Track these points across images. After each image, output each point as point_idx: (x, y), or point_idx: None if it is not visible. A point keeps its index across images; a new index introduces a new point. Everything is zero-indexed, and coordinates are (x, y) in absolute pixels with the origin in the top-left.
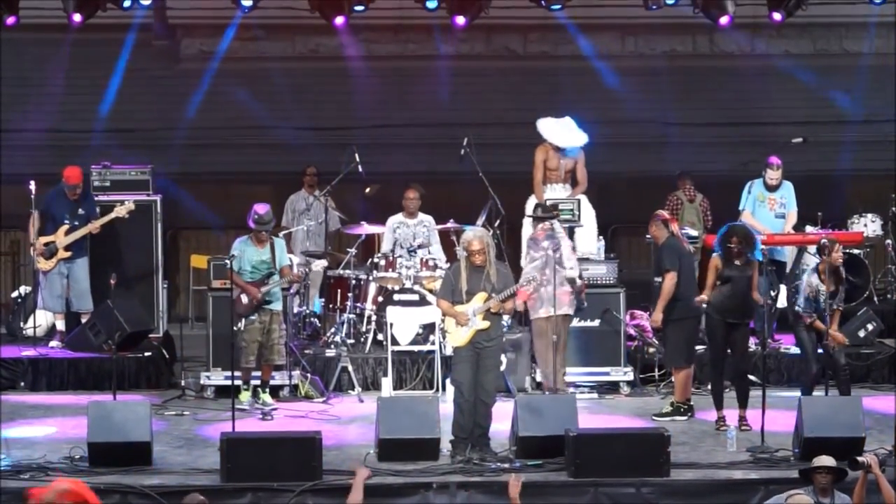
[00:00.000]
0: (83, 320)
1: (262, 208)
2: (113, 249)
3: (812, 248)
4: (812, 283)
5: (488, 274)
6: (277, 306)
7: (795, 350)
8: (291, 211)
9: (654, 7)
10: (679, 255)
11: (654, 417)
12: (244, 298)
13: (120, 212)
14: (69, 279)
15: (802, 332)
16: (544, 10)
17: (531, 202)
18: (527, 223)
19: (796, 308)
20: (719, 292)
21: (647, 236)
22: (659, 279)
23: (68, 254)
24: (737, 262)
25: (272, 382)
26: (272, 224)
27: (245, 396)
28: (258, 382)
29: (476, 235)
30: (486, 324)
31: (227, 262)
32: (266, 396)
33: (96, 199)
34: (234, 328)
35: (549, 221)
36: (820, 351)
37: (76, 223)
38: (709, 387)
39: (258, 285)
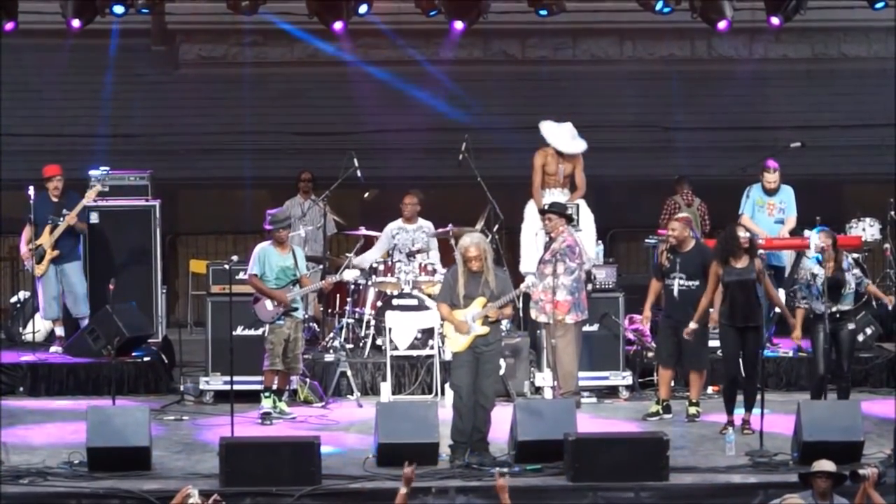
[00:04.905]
0: (81, 325)
1: (275, 209)
2: (112, 255)
3: (810, 252)
4: (806, 265)
5: (486, 280)
6: (301, 314)
7: (791, 353)
8: None
9: (668, 10)
10: None
11: (644, 418)
12: (268, 304)
13: (89, 196)
14: (63, 283)
15: (816, 333)
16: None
17: (530, 207)
18: (526, 228)
19: (795, 296)
20: (726, 298)
21: (650, 239)
22: (691, 283)
23: (56, 253)
24: (738, 266)
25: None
26: (289, 222)
27: (269, 403)
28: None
29: (473, 241)
30: (484, 329)
31: (227, 266)
32: (283, 405)
33: (96, 203)
34: (261, 331)
35: (565, 224)
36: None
37: (59, 222)
38: (710, 390)
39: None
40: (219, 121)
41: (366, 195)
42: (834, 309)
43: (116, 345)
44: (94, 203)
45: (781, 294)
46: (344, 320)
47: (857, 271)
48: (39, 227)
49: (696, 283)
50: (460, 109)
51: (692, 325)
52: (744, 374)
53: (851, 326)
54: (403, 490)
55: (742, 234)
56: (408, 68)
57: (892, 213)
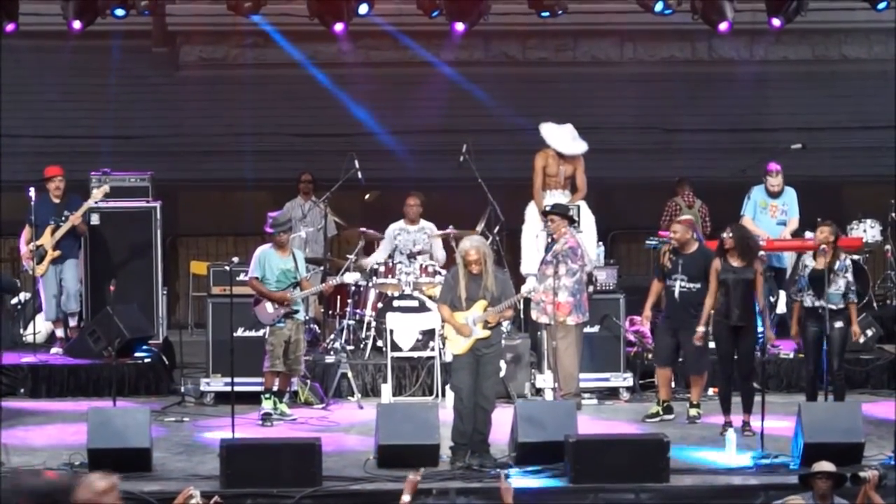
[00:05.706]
0: (71, 323)
1: (275, 212)
2: (112, 256)
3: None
4: (803, 258)
5: (486, 284)
6: (301, 316)
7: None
8: None
9: (669, 11)
10: None
11: (645, 419)
12: (269, 307)
13: (96, 196)
14: (62, 281)
15: (807, 331)
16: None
17: (531, 208)
18: (527, 229)
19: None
20: (721, 296)
21: (651, 241)
22: (693, 285)
23: (57, 253)
24: (734, 264)
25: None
26: (289, 225)
27: (269, 404)
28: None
29: (473, 245)
30: (486, 333)
31: (227, 267)
32: (284, 406)
33: (97, 205)
34: (262, 333)
35: (568, 225)
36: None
37: (62, 223)
38: (710, 392)
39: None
40: (219, 122)
41: (366, 197)
42: (817, 304)
43: (117, 346)
44: (95, 204)
45: (782, 295)
46: (345, 322)
47: (849, 277)
48: (40, 228)
49: (698, 285)
50: (461, 111)
51: (700, 329)
52: (738, 374)
53: (839, 324)
54: (407, 498)
55: (725, 234)
56: (408, 70)
57: (893, 214)
